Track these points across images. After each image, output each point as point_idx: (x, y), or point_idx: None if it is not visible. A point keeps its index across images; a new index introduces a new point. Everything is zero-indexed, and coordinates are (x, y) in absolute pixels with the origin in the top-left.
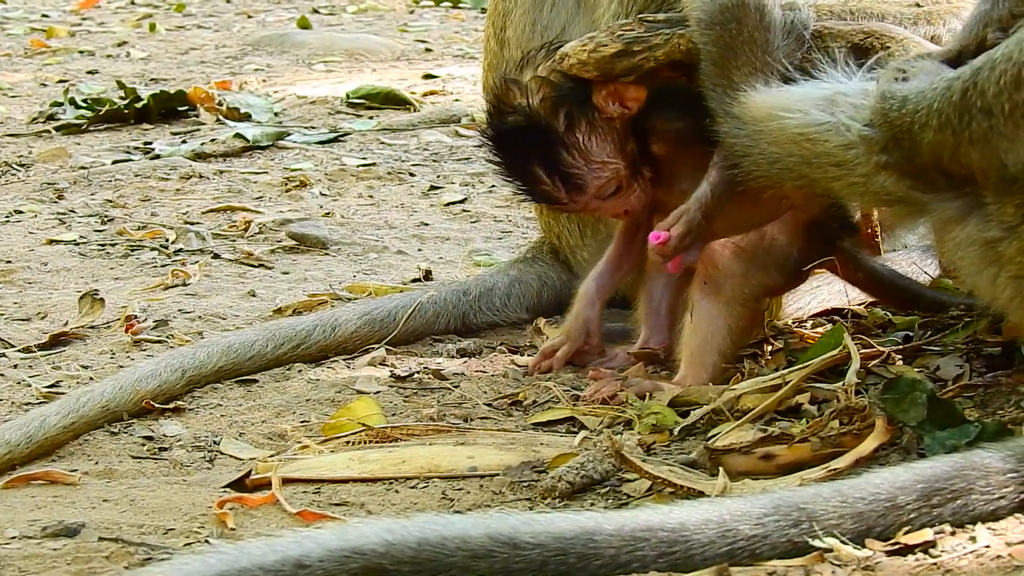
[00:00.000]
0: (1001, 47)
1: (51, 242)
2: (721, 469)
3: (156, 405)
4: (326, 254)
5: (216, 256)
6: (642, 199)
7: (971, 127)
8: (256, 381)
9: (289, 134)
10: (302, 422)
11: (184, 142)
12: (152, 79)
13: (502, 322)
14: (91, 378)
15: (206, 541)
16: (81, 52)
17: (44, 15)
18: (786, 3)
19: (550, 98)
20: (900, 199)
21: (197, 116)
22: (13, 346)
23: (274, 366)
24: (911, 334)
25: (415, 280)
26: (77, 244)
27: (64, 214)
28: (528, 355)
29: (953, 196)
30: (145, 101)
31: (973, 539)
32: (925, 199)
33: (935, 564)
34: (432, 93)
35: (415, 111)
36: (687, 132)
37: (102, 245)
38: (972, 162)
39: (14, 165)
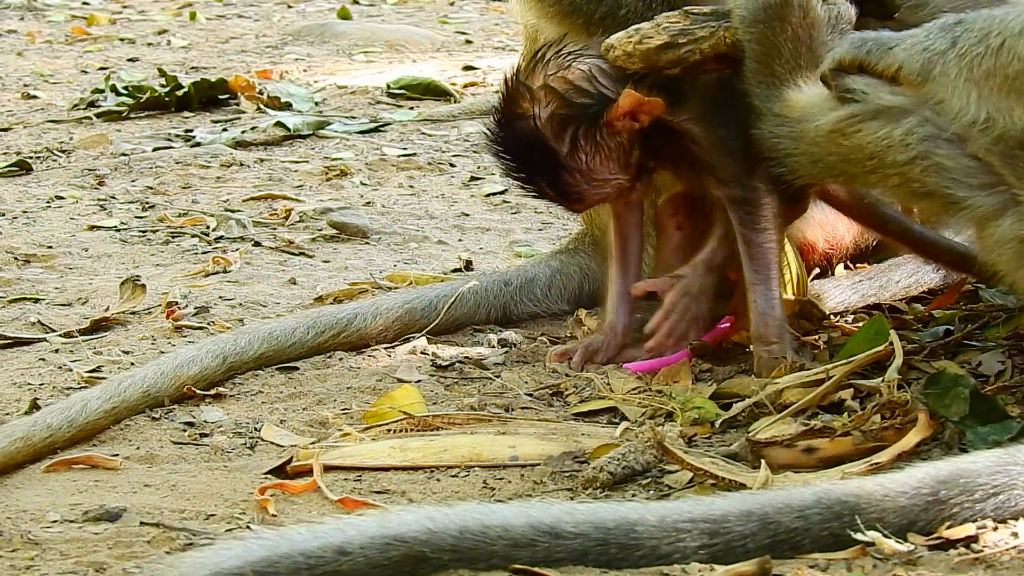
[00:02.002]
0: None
1: (92, 228)
2: (763, 462)
3: (197, 391)
4: (367, 243)
5: (257, 244)
6: (641, 194)
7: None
8: (297, 368)
9: (330, 123)
10: (343, 410)
11: (225, 130)
12: (193, 67)
13: (543, 313)
14: (132, 363)
15: (247, 527)
16: (122, 40)
17: (85, 3)
18: None
19: (559, 114)
20: (933, 192)
21: (238, 105)
22: (54, 331)
23: (315, 354)
24: (951, 327)
25: (455, 270)
26: (118, 230)
27: (105, 200)
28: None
29: (988, 192)
30: (186, 89)
31: (1015, 534)
32: (960, 195)
33: (977, 558)
34: (472, 84)
35: (455, 102)
36: (692, 134)
37: (143, 231)
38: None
39: (55, 151)
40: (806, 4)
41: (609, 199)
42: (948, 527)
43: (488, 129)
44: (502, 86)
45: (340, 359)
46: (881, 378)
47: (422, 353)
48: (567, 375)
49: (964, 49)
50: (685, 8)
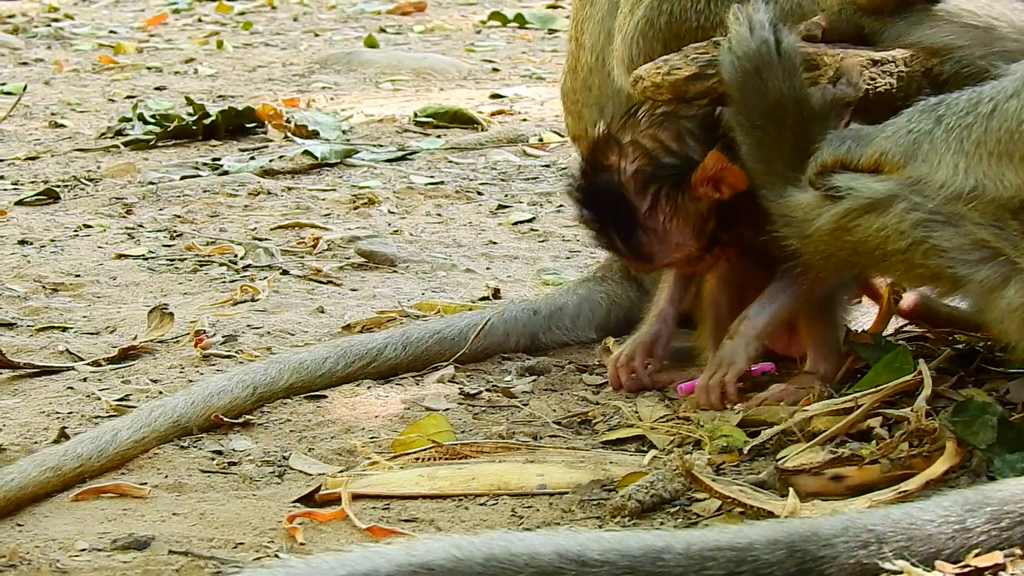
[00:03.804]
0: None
1: (120, 256)
2: (791, 490)
3: (225, 419)
4: (394, 271)
5: (285, 272)
6: (708, 267)
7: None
8: (325, 397)
9: (357, 152)
10: (371, 438)
11: (252, 158)
12: (220, 96)
13: (571, 341)
14: (160, 392)
15: (276, 555)
16: (149, 68)
17: (112, 31)
18: (834, 69)
19: (644, 171)
20: (938, 274)
21: (265, 133)
22: (82, 359)
23: (345, 383)
24: (978, 349)
25: (483, 298)
26: (146, 259)
27: (133, 229)
28: (597, 374)
29: (988, 265)
30: (213, 117)
31: None
32: (962, 272)
33: None
34: (499, 113)
35: (483, 130)
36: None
37: (171, 260)
38: None
39: (83, 180)
40: (802, 100)
41: (676, 265)
42: (976, 555)
43: (572, 176)
44: (593, 137)
45: (368, 387)
46: (909, 407)
47: (450, 381)
48: (596, 403)
49: (951, 124)
50: (714, 39)
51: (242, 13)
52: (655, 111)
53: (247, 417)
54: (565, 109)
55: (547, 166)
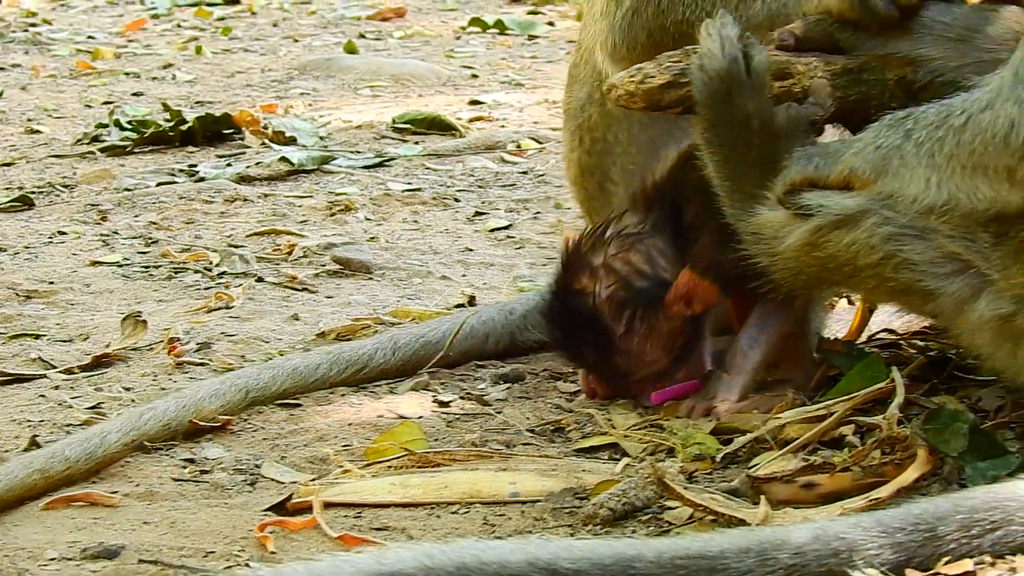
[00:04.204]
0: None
1: (94, 263)
2: (762, 498)
3: (200, 424)
4: (370, 278)
5: (260, 279)
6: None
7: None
8: (299, 405)
9: (334, 158)
10: (344, 446)
11: (229, 165)
12: (198, 102)
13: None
14: (133, 400)
15: (246, 564)
16: (127, 74)
17: (90, 37)
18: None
19: (617, 296)
20: (909, 287)
21: (242, 139)
22: (55, 367)
23: (349, 384)
24: (951, 356)
25: (459, 305)
26: (120, 266)
27: (108, 236)
28: (571, 381)
29: (959, 278)
30: (190, 124)
31: (1013, 570)
32: (934, 286)
33: None
34: (478, 119)
35: (461, 137)
36: None
37: (145, 267)
38: None
39: (58, 186)
40: (768, 118)
41: (645, 382)
42: (946, 563)
43: (545, 299)
44: (563, 256)
45: (342, 395)
46: (882, 414)
47: (424, 389)
48: (570, 411)
49: (921, 137)
50: (687, 47)
51: (222, 19)
52: (623, 231)
53: (225, 418)
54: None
55: (525, 173)
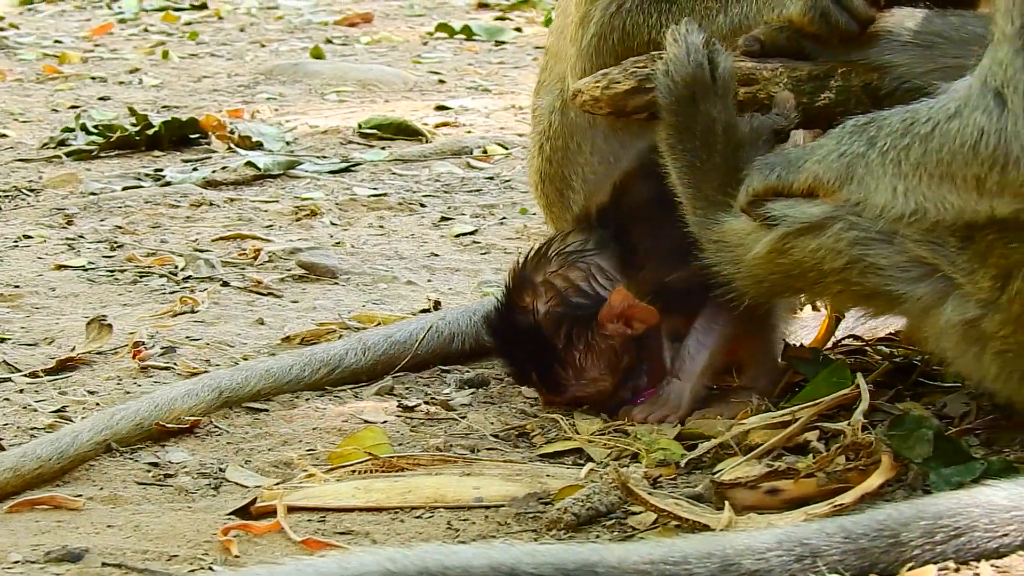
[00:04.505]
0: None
1: (60, 267)
2: (727, 503)
3: (167, 426)
4: (335, 283)
5: (225, 284)
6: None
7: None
8: (265, 410)
9: (300, 163)
10: (308, 451)
11: (195, 169)
12: (164, 106)
13: None
14: (97, 404)
15: (210, 568)
16: (93, 78)
17: (57, 41)
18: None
19: (555, 311)
20: (876, 292)
21: (209, 144)
22: (20, 371)
23: (311, 390)
24: (916, 363)
25: (424, 311)
26: (86, 270)
27: (73, 240)
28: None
29: (926, 283)
30: (156, 128)
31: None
32: (900, 290)
33: None
34: (444, 125)
35: (427, 142)
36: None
37: (111, 271)
38: None
39: (24, 190)
40: (731, 126)
41: (592, 400)
42: (910, 569)
43: (489, 315)
44: (508, 275)
45: (307, 400)
46: (847, 420)
47: (389, 394)
48: (534, 416)
49: (886, 145)
50: (652, 53)
51: (189, 23)
52: (565, 249)
53: (193, 419)
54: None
55: (491, 178)
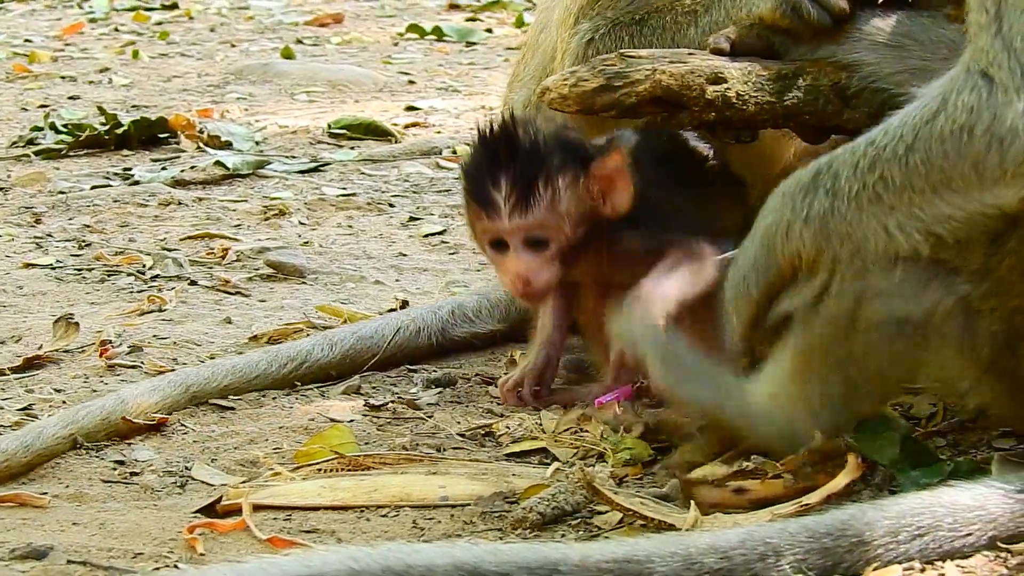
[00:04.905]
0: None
1: (27, 266)
2: (692, 502)
3: (135, 422)
4: (303, 283)
5: (193, 283)
6: (553, 278)
7: None
8: (232, 408)
9: (269, 163)
10: (275, 449)
11: (164, 169)
12: (134, 106)
13: (481, 332)
14: (64, 402)
15: (175, 566)
16: (63, 78)
17: (27, 40)
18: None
19: (557, 135)
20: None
21: (178, 143)
22: None
23: (279, 386)
24: None
25: (391, 310)
26: (53, 268)
27: (41, 238)
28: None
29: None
30: (126, 127)
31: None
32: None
33: None
34: (414, 125)
35: (396, 142)
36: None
37: (79, 270)
38: None
39: None
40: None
41: (540, 236)
42: (875, 568)
43: (491, 124)
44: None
45: (273, 399)
46: None
47: (355, 393)
48: (501, 416)
49: (853, 188)
50: (621, 51)
51: (159, 23)
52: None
53: (161, 417)
54: None
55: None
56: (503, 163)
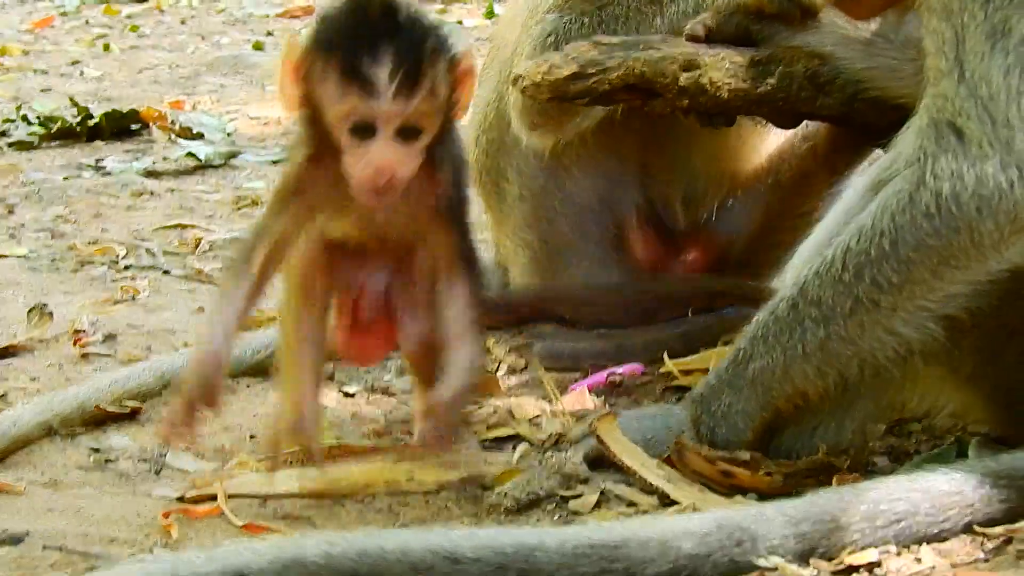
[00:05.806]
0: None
1: (1, 256)
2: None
3: (107, 409)
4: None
5: (166, 272)
6: (410, 176)
7: None
8: None
9: (241, 154)
10: (250, 436)
11: (136, 160)
12: (106, 98)
13: None
14: (38, 390)
15: (150, 551)
16: (35, 70)
17: None
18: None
19: (426, 15)
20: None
21: (150, 135)
22: None
23: (253, 373)
24: None
25: None
26: (27, 258)
27: (14, 229)
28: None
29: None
30: (97, 119)
31: (918, 560)
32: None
33: None
34: None
35: None
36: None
37: (52, 260)
38: None
39: None
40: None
41: (412, 140)
42: (851, 553)
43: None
44: None
45: (247, 386)
46: None
47: (329, 380)
48: (474, 402)
49: (846, 306)
50: (594, 38)
51: (130, 16)
52: None
53: (135, 405)
54: None
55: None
56: (387, 37)
